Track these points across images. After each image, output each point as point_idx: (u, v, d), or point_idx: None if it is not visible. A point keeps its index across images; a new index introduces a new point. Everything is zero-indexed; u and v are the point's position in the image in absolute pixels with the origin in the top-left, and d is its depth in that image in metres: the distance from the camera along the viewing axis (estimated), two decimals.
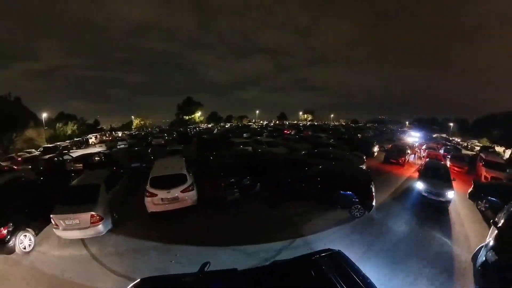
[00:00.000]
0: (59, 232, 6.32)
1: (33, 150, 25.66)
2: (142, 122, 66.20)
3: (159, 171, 8.68)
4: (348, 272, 3.55)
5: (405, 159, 18.38)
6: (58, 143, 31.95)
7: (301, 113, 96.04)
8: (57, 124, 48.17)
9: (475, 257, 5.77)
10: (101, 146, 29.16)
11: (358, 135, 36.42)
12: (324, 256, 3.91)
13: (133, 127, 64.83)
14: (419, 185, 10.78)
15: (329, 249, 4.29)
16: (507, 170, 15.11)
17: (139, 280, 3.57)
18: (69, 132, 49.52)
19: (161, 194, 7.79)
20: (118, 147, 27.53)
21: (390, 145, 23.99)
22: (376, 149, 21.58)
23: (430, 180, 10.74)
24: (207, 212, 8.46)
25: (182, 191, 7.99)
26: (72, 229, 6.26)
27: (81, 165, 14.13)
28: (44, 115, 41.35)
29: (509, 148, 33.72)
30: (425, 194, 10.38)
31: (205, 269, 3.61)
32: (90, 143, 34.90)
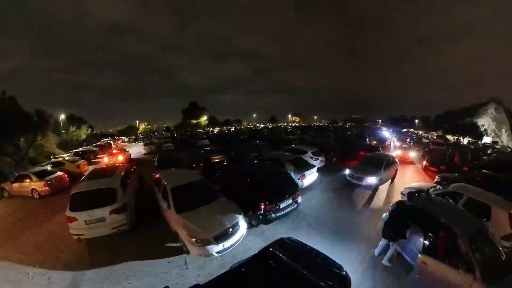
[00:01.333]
0: None
1: (62, 155, 22.82)
2: (149, 127, 71.04)
3: (82, 186, 7.52)
4: (301, 252, 4.30)
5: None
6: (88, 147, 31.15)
7: (290, 115, 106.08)
8: (71, 128, 42.09)
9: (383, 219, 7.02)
10: (150, 147, 29.61)
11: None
12: (277, 245, 4.41)
13: (139, 132, 69.33)
14: (346, 171, 12.42)
15: (280, 238, 4.77)
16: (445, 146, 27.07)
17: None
18: (84, 136, 44.60)
19: (83, 217, 6.56)
20: (163, 148, 28.96)
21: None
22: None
23: (359, 166, 12.36)
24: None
25: (111, 212, 6.79)
26: None
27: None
28: (62, 117, 39.40)
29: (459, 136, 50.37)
30: (349, 179, 11.99)
31: None
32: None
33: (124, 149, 25.73)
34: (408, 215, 5.81)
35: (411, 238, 5.73)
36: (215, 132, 64.23)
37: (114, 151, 22.26)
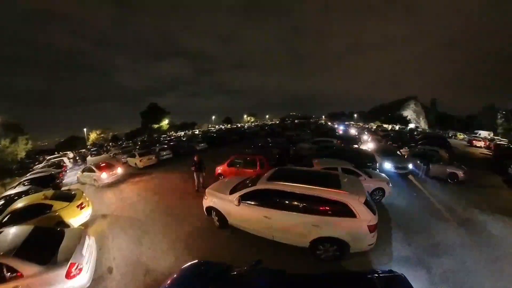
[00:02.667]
0: None
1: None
2: (102, 136, 62.70)
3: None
4: None
5: None
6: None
7: (245, 115, 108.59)
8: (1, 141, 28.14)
9: None
10: (149, 159, 23.73)
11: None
12: (383, 277, 3.59)
13: (89, 143, 60.56)
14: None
15: (391, 271, 3.88)
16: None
17: (195, 261, 4.29)
18: (23, 153, 31.28)
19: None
20: (198, 148, 28.25)
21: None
22: None
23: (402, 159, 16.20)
24: None
25: None
26: None
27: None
28: None
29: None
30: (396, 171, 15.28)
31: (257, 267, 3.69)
32: None
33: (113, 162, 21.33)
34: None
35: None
36: (182, 136, 60.28)
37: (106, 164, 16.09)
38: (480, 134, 45.28)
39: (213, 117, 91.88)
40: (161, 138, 56.36)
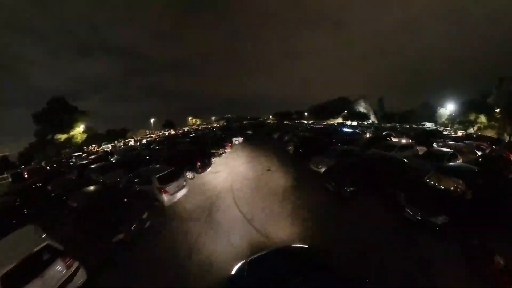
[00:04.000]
0: None
1: None
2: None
3: None
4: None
5: None
6: None
7: (190, 118, 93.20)
8: None
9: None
10: None
11: None
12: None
13: None
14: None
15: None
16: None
17: (305, 246, 5.27)
18: None
19: None
20: (235, 142, 29.66)
21: None
22: None
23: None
24: None
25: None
26: None
27: None
28: None
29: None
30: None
31: None
32: None
33: None
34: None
35: None
36: (110, 152, 30.70)
37: None
38: (426, 125, 55.87)
39: (152, 120, 72.50)
40: (72, 160, 30.50)
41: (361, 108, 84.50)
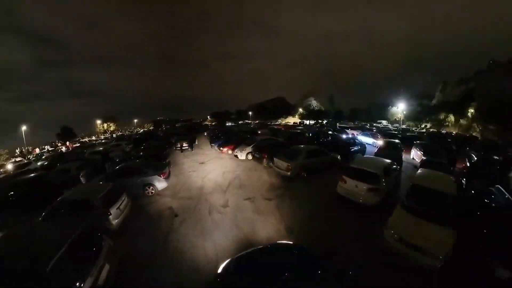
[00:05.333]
0: None
1: None
2: None
3: None
4: None
5: None
6: None
7: (99, 121, 66.35)
8: None
9: None
10: None
11: None
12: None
13: None
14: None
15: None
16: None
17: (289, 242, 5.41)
18: None
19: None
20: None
21: None
22: None
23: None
24: None
25: None
26: None
27: None
28: None
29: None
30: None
31: None
32: None
33: None
34: None
35: None
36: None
37: None
38: (381, 123, 58.43)
39: (23, 128, 44.22)
40: None
41: (313, 105, 78.09)
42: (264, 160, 14.26)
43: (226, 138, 20.67)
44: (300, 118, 70.48)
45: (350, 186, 8.56)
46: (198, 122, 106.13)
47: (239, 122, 75.84)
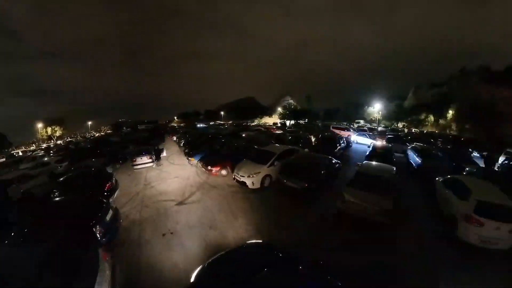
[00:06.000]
0: None
1: None
2: None
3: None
4: None
5: None
6: None
7: (40, 125, 54.19)
8: None
9: None
10: None
11: None
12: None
13: None
14: None
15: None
16: None
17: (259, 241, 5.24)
18: None
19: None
20: None
21: None
22: None
23: None
24: None
25: None
26: None
27: None
28: None
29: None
30: None
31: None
32: None
33: None
34: None
35: None
36: None
37: None
38: (359, 122, 59.28)
39: None
40: None
41: (291, 104, 75.34)
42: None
43: (211, 148, 14.82)
44: (280, 118, 66.83)
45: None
46: (164, 123, 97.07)
47: (210, 123, 69.67)
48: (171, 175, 12.48)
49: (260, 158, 10.92)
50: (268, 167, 10.34)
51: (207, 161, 12.26)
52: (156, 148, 16.07)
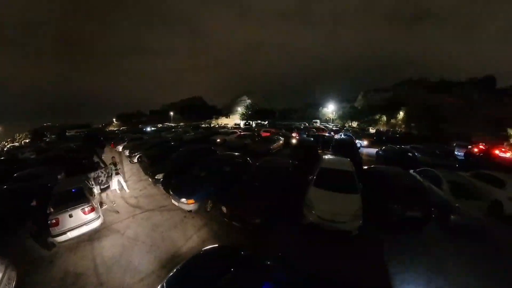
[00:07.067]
0: None
1: None
2: None
3: None
4: None
5: None
6: None
7: None
8: None
9: None
10: None
11: None
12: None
13: None
14: None
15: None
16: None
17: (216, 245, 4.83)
18: None
19: None
20: None
21: None
22: None
23: None
24: None
25: None
26: None
27: None
28: None
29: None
30: None
31: None
32: None
33: None
34: None
35: None
36: None
37: None
38: (317, 122, 59.84)
39: None
40: None
41: (249, 104, 72.63)
42: None
43: (206, 170, 8.87)
44: (241, 118, 62.87)
45: None
46: (101, 127, 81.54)
47: (159, 125, 61.00)
48: (150, 254, 5.75)
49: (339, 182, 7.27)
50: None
51: (247, 208, 6.46)
52: (99, 175, 9.50)
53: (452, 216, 6.89)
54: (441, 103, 47.14)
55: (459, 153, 19.50)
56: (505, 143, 29.09)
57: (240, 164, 10.04)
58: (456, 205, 6.98)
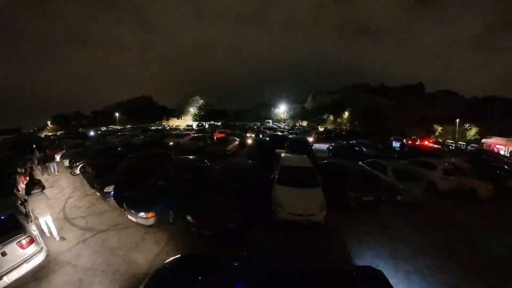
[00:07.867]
0: None
1: None
2: None
3: None
4: None
5: None
6: None
7: None
8: None
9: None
10: None
11: None
12: (363, 274, 3.77)
13: None
14: None
15: (370, 267, 4.11)
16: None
17: (178, 256, 4.39)
18: None
19: None
20: None
21: None
22: None
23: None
24: None
25: None
26: None
27: None
28: None
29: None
30: None
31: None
32: None
33: None
34: None
35: None
36: None
37: None
38: (269, 122, 61.36)
39: None
40: None
41: (199, 104, 70.31)
42: None
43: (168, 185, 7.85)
44: (194, 120, 60.22)
45: None
46: (33, 131, 67.99)
47: (102, 129, 55.03)
48: (115, 284, 4.91)
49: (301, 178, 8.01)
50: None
51: None
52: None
53: (398, 197, 8.71)
54: (381, 104, 57.06)
55: (396, 145, 23.54)
56: (432, 136, 38.76)
57: (200, 168, 9.65)
58: (401, 187, 8.90)
